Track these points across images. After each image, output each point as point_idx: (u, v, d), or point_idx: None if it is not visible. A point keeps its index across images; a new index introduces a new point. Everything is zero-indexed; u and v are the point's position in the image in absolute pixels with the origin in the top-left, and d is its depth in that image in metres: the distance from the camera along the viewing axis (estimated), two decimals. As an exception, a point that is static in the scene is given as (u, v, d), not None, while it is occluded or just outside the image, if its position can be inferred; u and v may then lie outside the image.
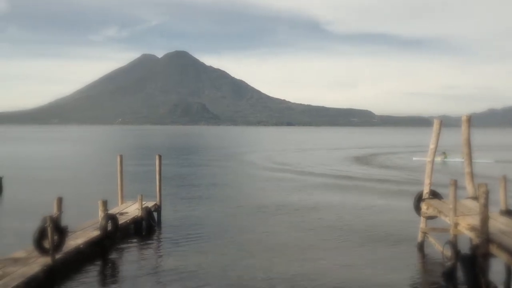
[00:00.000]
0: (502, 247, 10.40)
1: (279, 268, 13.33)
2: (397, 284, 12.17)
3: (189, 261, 14.01)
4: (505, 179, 13.76)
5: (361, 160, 55.74)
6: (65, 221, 12.91)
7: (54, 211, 12.61)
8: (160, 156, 20.89)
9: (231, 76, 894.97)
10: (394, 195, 27.10)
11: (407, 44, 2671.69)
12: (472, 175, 15.61)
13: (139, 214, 18.13)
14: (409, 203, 16.98)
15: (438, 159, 51.29)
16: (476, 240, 11.28)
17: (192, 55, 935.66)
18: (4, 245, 14.95)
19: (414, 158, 55.40)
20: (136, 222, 17.87)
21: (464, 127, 15.49)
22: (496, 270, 11.57)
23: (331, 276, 12.73)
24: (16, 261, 11.81)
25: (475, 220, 11.61)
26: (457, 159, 49.53)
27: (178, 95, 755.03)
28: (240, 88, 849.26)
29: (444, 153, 53.02)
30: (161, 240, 17.28)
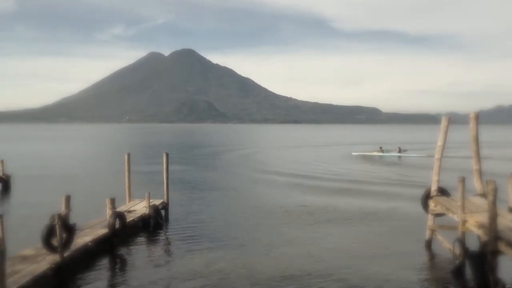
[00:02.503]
0: (511, 244, 10.33)
1: (285, 265, 13.33)
2: (405, 281, 12.12)
3: (197, 259, 14.06)
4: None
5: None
6: (73, 219, 13.00)
7: (62, 209, 12.69)
8: (167, 154, 20.95)
9: (238, 74, 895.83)
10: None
11: (414, 41, 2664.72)
12: (480, 172, 15.49)
13: (147, 212, 18.22)
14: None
15: (375, 153, 56.20)
16: (484, 238, 11.21)
17: (199, 53, 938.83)
18: (13, 243, 15.01)
19: (353, 153, 57.66)
20: (143, 220, 17.96)
21: (472, 124, 15.37)
22: (505, 267, 11.49)
23: (339, 272, 12.70)
24: (24, 259, 11.92)
25: (484, 218, 11.55)
26: (393, 154, 56.28)
27: (184, 93, 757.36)
28: (246, 86, 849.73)
29: (380, 148, 57.91)
30: (169, 238, 17.32)
